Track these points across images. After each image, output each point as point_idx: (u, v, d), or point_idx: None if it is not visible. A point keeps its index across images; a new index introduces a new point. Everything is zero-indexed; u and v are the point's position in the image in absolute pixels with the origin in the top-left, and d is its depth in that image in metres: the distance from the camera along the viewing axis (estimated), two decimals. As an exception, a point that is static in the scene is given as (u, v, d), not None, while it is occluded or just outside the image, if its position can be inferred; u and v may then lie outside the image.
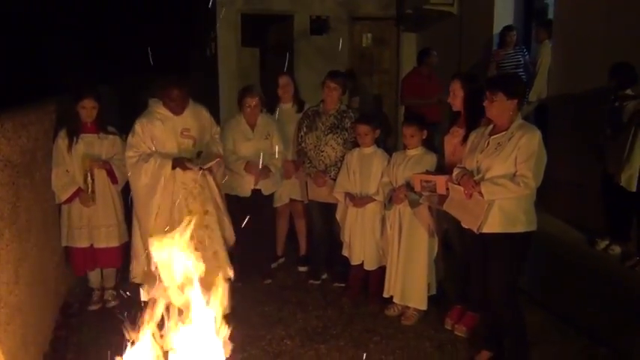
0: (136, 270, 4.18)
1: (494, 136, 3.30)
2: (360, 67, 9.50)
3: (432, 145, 4.24)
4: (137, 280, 4.12)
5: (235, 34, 9.23)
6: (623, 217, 5.25)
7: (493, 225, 3.29)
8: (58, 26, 13.04)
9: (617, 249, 5.27)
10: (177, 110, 4.02)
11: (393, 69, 9.91)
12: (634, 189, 4.84)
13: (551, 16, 7.05)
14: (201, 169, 3.92)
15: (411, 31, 9.70)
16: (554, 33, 6.56)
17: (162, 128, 4.00)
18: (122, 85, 9.42)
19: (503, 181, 3.20)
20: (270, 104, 5.02)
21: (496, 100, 3.26)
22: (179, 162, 3.97)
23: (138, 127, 4.05)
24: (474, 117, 3.70)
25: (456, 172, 3.48)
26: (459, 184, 3.40)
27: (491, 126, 3.37)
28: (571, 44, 6.26)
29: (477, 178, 3.30)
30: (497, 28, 7.44)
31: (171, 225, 3.95)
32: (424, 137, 4.16)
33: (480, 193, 3.24)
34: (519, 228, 3.26)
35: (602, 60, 5.50)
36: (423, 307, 4.22)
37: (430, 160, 4.12)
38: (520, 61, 6.99)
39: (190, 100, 4.12)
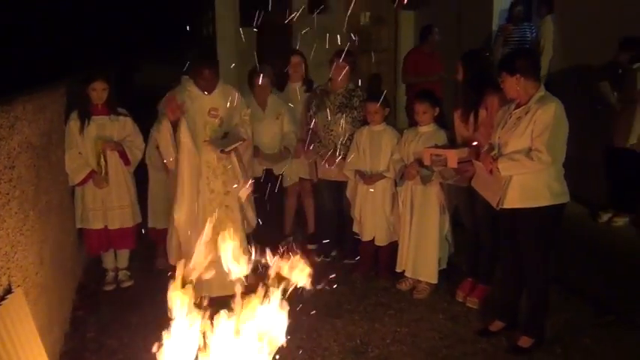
0: (170, 252, 4.25)
1: (515, 110, 3.37)
2: (358, 46, 9.47)
3: (444, 121, 4.29)
4: (172, 262, 4.19)
5: (234, 13, 9.17)
6: (629, 189, 5.35)
7: (513, 200, 3.35)
8: (44, 11, 12.80)
9: (619, 221, 5.39)
10: (208, 89, 4.04)
11: (392, 47, 9.90)
12: None
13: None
14: (222, 151, 3.95)
15: (409, 9, 9.67)
16: (557, 7, 6.60)
17: (190, 105, 4.01)
18: (111, 68, 9.34)
19: (518, 156, 3.25)
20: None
21: (502, 79, 3.36)
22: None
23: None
24: (469, 96, 3.87)
25: (485, 148, 3.54)
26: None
27: (517, 101, 3.43)
28: (572, 18, 6.30)
29: (493, 153, 3.36)
30: (497, 5, 7.46)
31: (195, 203, 4.02)
32: (436, 114, 4.22)
33: (498, 168, 3.30)
34: (542, 202, 3.30)
35: (604, 34, 5.57)
36: (434, 280, 4.32)
37: (442, 136, 4.18)
38: (527, 37, 7.03)
39: (221, 81, 4.14)
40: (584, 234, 5.25)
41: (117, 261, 4.66)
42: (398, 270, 4.43)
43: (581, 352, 3.57)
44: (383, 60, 9.89)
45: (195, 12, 11.10)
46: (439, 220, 4.25)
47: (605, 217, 5.53)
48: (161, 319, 2.48)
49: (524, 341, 3.55)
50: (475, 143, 3.70)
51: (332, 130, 4.69)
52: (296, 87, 5.07)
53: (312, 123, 4.78)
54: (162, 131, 3.93)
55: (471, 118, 3.88)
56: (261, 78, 4.63)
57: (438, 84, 6.63)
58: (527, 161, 3.22)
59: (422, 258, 4.30)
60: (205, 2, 9.75)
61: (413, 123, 4.69)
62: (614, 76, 5.33)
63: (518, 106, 3.38)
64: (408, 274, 4.37)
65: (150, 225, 4.81)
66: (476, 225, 4.06)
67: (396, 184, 4.38)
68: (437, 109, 4.21)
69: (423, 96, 4.27)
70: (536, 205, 3.31)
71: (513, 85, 3.31)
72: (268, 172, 4.77)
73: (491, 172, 3.36)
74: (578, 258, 4.75)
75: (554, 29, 6.59)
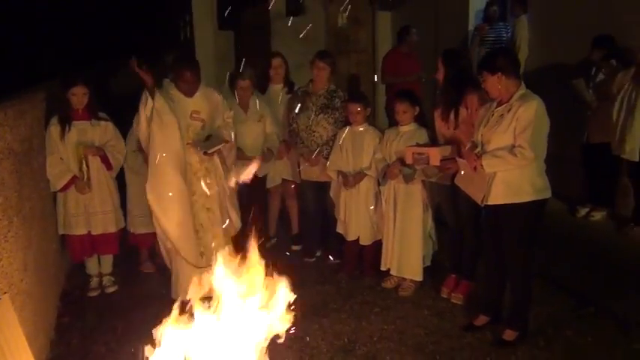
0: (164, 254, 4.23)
1: (497, 108, 3.43)
2: (336, 47, 9.54)
3: (424, 120, 4.35)
4: (168, 263, 4.20)
5: (211, 17, 9.17)
6: (606, 185, 5.47)
7: (497, 197, 3.40)
8: (23, 12, 12.67)
9: (597, 215, 5.51)
10: (189, 92, 4.03)
11: (369, 48, 9.97)
12: (637, 158, 4.96)
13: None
14: (205, 153, 3.95)
15: (385, 9, 9.76)
16: (530, 7, 6.72)
17: (172, 108, 3.98)
18: (89, 72, 9.24)
19: (502, 153, 3.30)
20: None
21: (483, 79, 3.41)
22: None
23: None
24: (450, 95, 3.92)
25: (467, 146, 3.60)
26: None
27: (498, 99, 3.48)
28: (546, 17, 6.42)
29: (477, 151, 3.42)
30: (472, 5, 7.57)
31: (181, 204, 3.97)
32: (416, 113, 4.27)
33: (482, 165, 3.35)
34: (525, 198, 3.35)
35: (577, 33, 5.68)
36: (419, 278, 4.37)
37: (423, 135, 4.23)
38: (503, 36, 7.14)
39: (203, 84, 4.13)
40: (563, 229, 5.35)
41: (101, 266, 4.62)
42: (383, 268, 4.47)
43: (564, 343, 3.64)
44: (361, 61, 9.97)
45: (173, 16, 11.06)
46: (422, 217, 4.30)
47: (583, 211, 5.64)
48: (148, 324, 2.48)
49: (509, 335, 3.61)
50: (455, 159, 3.75)
51: (314, 132, 4.71)
52: (277, 89, 5.09)
53: (294, 124, 4.80)
54: (140, 109, 3.87)
55: (452, 117, 3.94)
56: (243, 80, 4.64)
57: (416, 84, 6.72)
58: (510, 157, 3.28)
59: (406, 256, 4.34)
60: (182, 6, 9.73)
61: (393, 123, 4.74)
62: (587, 74, 5.44)
63: (499, 104, 3.43)
64: (392, 272, 4.42)
65: (130, 230, 4.78)
66: (459, 222, 4.12)
67: (379, 184, 4.43)
68: (417, 109, 4.26)
69: (402, 95, 4.32)
70: (520, 201, 3.36)
71: (495, 83, 3.37)
72: (251, 174, 4.77)
73: (475, 169, 3.41)
74: (558, 252, 4.83)
75: (528, 28, 6.71)
